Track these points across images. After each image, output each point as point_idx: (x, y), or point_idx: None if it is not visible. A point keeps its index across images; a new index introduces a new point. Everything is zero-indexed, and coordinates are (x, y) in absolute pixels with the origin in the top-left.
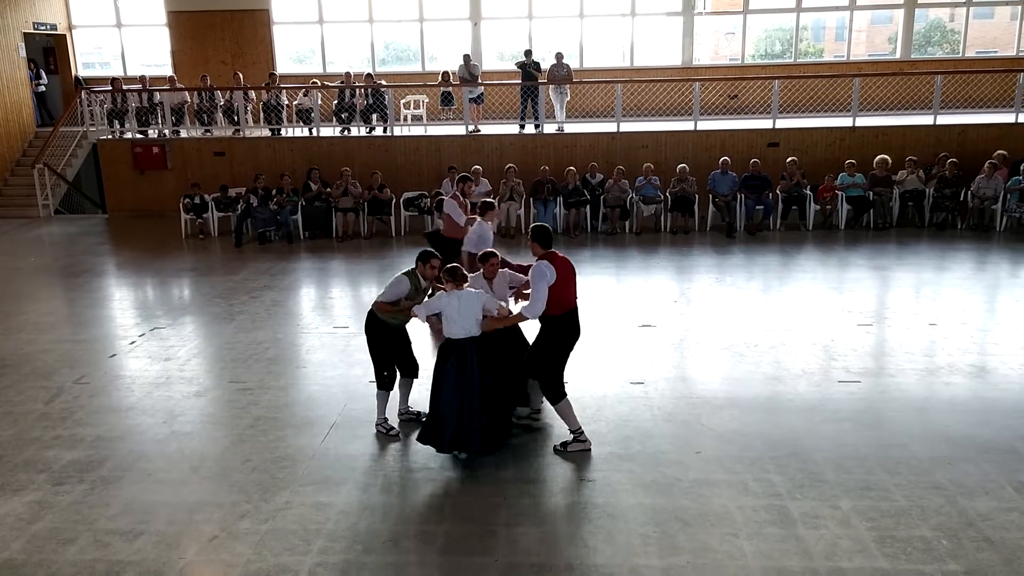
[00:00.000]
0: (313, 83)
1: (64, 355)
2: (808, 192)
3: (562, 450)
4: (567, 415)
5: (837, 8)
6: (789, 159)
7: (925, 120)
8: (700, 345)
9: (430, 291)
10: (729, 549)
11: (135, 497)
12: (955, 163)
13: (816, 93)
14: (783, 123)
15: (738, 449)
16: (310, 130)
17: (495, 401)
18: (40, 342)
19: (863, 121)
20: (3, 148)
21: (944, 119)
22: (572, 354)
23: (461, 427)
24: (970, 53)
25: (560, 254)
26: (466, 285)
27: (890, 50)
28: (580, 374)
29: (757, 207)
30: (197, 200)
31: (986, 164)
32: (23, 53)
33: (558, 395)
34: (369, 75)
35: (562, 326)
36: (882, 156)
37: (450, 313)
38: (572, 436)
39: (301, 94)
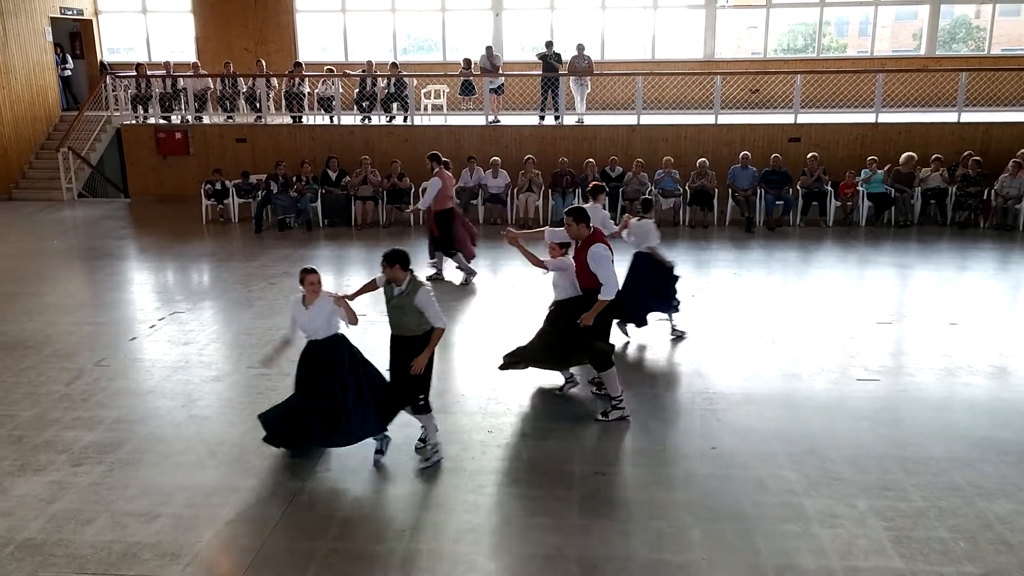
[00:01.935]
0: (328, 71)
1: (85, 337)
2: (829, 188)
3: (604, 419)
4: (612, 383)
5: (862, 3)
6: (810, 155)
7: (949, 118)
8: (717, 340)
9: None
10: (743, 546)
11: (153, 480)
12: (978, 161)
13: (839, 88)
14: (805, 118)
15: (754, 445)
16: (331, 118)
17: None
18: (62, 324)
19: (886, 117)
20: (29, 131)
21: (968, 117)
22: None
23: (300, 426)
24: (995, 50)
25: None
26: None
27: (914, 46)
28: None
29: (777, 202)
30: (218, 186)
31: (1010, 163)
32: (50, 38)
33: (609, 362)
34: (394, 64)
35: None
36: (908, 153)
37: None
38: (612, 404)
39: (320, 83)
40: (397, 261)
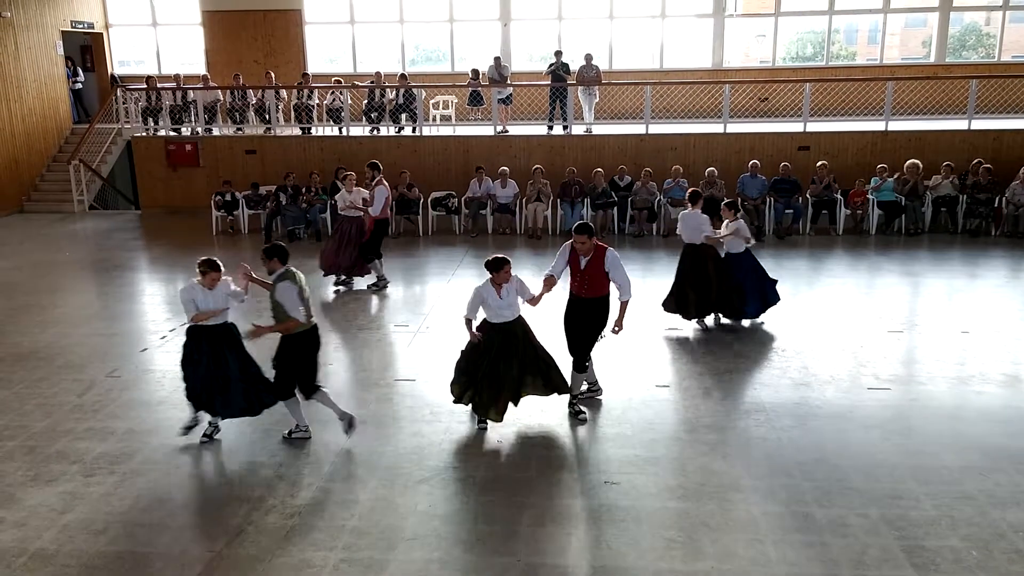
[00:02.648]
0: (336, 82)
1: (97, 349)
2: (839, 196)
3: (578, 405)
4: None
5: (870, 11)
6: (820, 163)
7: (959, 125)
8: (727, 349)
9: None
10: (754, 555)
11: (164, 490)
12: (989, 169)
13: (848, 96)
14: (814, 126)
15: (764, 455)
16: (340, 129)
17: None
18: (74, 335)
19: (896, 125)
20: (40, 144)
21: (979, 124)
22: (601, 356)
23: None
24: (1006, 57)
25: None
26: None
27: (924, 54)
28: (606, 377)
29: (786, 211)
30: (228, 197)
31: (1021, 170)
32: (61, 51)
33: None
34: (403, 75)
35: (606, 306)
36: (912, 161)
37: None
38: (587, 387)
39: (328, 94)
40: (275, 255)
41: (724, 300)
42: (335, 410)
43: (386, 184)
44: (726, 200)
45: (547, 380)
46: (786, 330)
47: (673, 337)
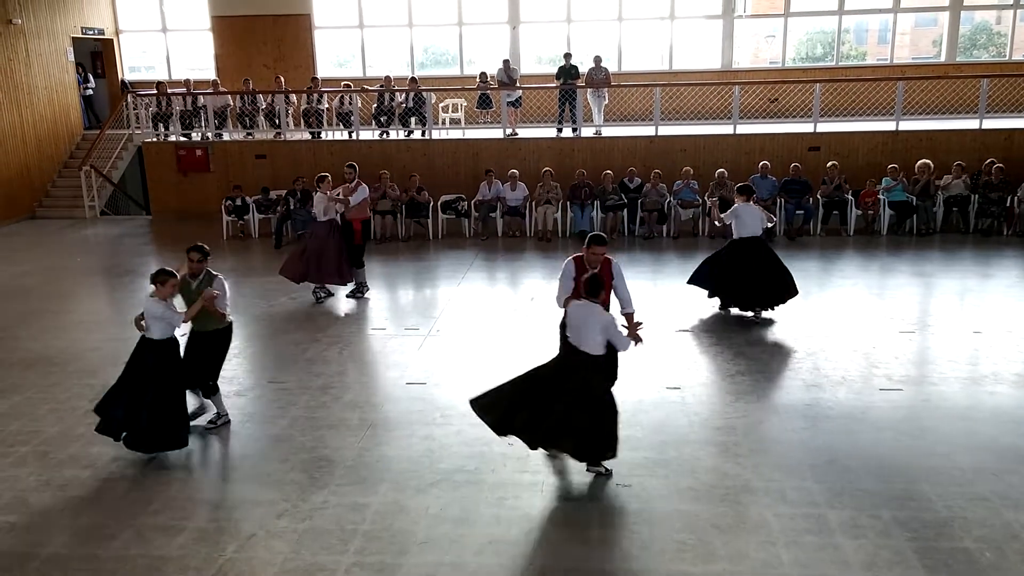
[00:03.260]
0: (346, 86)
1: (109, 354)
2: (850, 197)
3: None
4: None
5: (880, 11)
6: (830, 163)
7: (970, 124)
8: (738, 350)
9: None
10: (766, 557)
11: (176, 494)
12: (1001, 168)
13: (858, 96)
14: (824, 127)
15: (776, 456)
16: (349, 133)
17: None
18: (86, 341)
19: (906, 125)
20: (51, 150)
21: (990, 123)
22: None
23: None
24: (1017, 56)
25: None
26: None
27: (935, 53)
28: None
29: (797, 212)
30: (239, 202)
31: None
32: (71, 57)
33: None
34: (414, 79)
35: None
36: (923, 161)
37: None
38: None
39: (336, 98)
40: (209, 254)
41: (778, 287)
42: (220, 407)
43: (365, 185)
44: (739, 185)
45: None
46: (797, 331)
47: (682, 338)
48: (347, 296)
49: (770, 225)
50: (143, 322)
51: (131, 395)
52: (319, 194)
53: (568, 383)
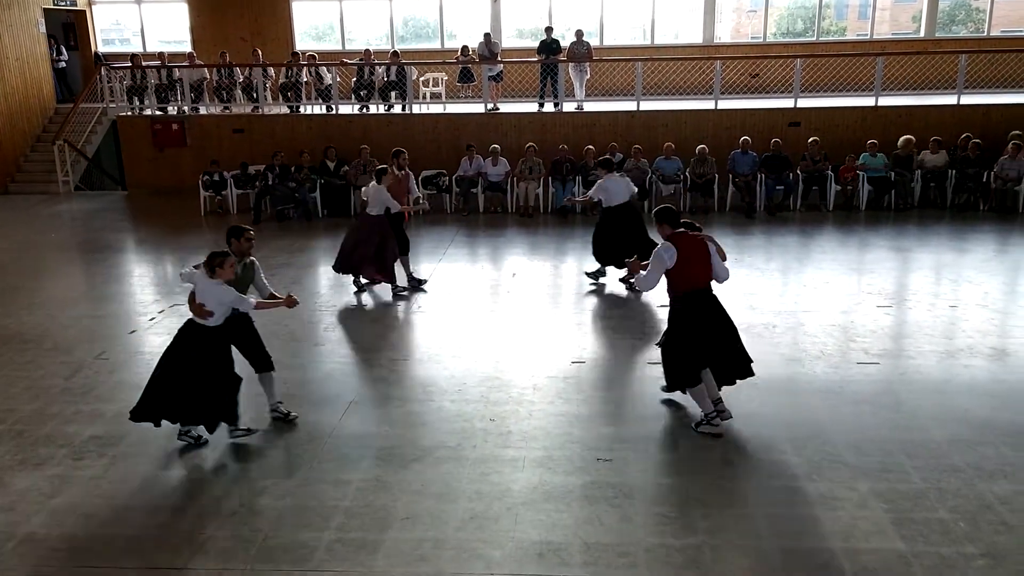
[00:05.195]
0: (311, 57)
1: (84, 331)
2: (829, 172)
3: (695, 429)
4: (699, 399)
5: None
6: (811, 139)
7: (948, 100)
8: None
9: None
10: (746, 529)
11: (154, 472)
12: (978, 144)
13: (838, 72)
14: (805, 102)
15: (756, 430)
16: (328, 108)
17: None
18: (61, 318)
19: (886, 101)
20: (24, 124)
21: (968, 99)
22: (591, 333)
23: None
24: (995, 32)
25: (690, 233)
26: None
27: (914, 28)
28: (597, 353)
29: (777, 187)
30: (216, 177)
31: (1009, 145)
32: (43, 29)
33: (678, 381)
34: (395, 53)
35: (681, 305)
36: (906, 136)
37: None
38: (704, 418)
39: (315, 71)
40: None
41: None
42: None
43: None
44: (600, 159)
45: None
46: (777, 306)
47: (664, 313)
48: (397, 296)
49: (635, 190)
50: (204, 308)
51: (184, 385)
52: (377, 186)
53: None
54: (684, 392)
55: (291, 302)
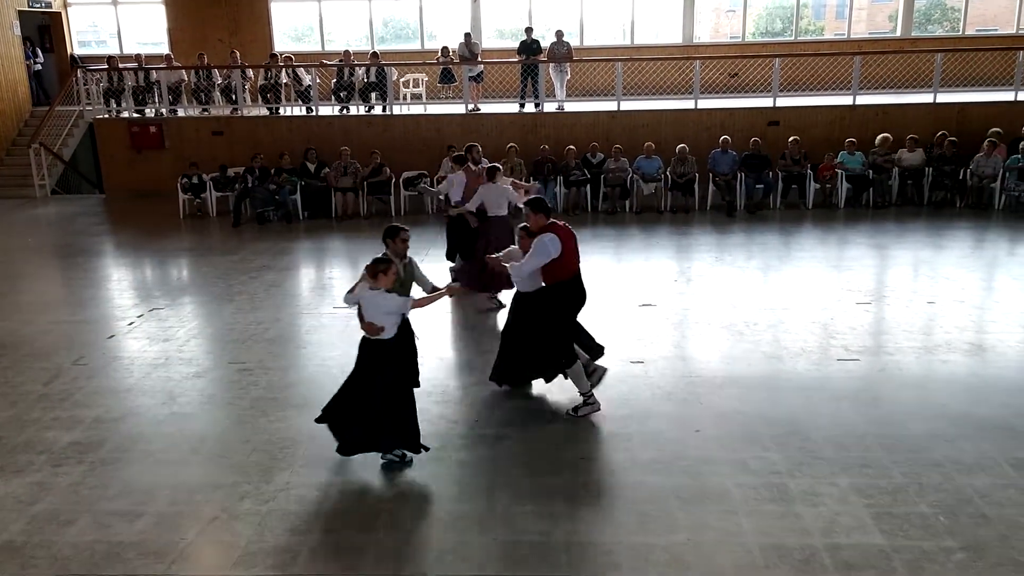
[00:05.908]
0: (288, 59)
1: (62, 336)
2: (808, 171)
3: (573, 414)
4: (578, 379)
5: None
6: (791, 139)
7: (925, 98)
8: (700, 324)
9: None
10: (728, 527)
11: (135, 478)
12: (954, 141)
13: (816, 71)
14: (783, 101)
15: (737, 427)
16: (308, 109)
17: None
18: (38, 323)
19: (863, 99)
20: None
21: (944, 97)
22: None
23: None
24: (970, 31)
25: (560, 223)
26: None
27: (891, 28)
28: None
29: (757, 186)
30: (195, 180)
31: (985, 142)
32: (18, 31)
33: (571, 359)
34: (375, 54)
35: (566, 291)
36: (883, 135)
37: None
38: (582, 399)
39: (292, 71)
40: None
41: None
42: None
43: (468, 170)
44: (488, 166)
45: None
46: (757, 304)
47: (645, 313)
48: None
49: (521, 195)
50: (375, 326)
51: (366, 409)
52: (493, 184)
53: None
54: (566, 377)
55: (452, 290)
